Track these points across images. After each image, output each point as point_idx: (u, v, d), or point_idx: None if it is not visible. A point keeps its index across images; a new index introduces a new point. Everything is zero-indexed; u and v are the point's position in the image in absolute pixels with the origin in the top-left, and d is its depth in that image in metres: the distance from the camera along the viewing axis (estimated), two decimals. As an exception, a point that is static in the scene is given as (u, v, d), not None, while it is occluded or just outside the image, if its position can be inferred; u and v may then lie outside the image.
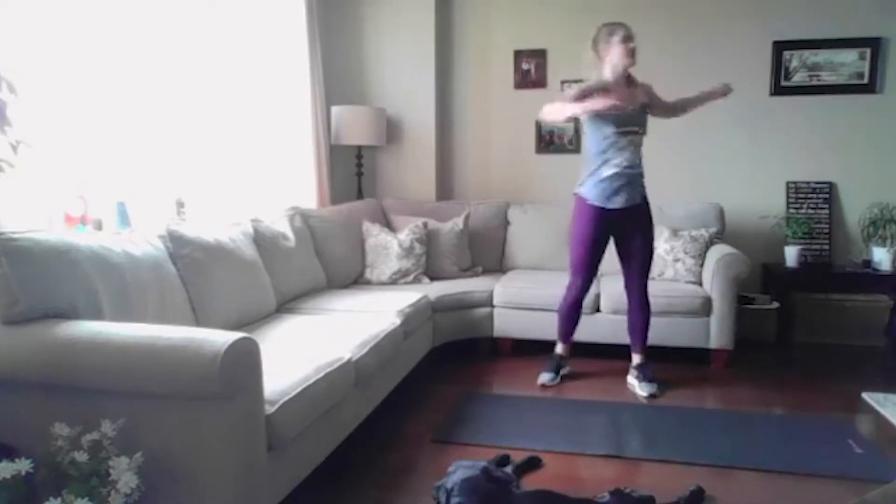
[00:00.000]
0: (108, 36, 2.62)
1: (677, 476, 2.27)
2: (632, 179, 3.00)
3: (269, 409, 1.73)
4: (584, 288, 3.13)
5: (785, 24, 4.13)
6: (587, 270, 3.10)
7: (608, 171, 2.96)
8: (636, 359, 3.20)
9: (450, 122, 4.68)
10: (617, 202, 2.99)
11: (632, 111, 2.94)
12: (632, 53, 2.92)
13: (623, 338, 3.45)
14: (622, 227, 3.06)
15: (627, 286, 3.16)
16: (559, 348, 3.30)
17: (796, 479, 2.26)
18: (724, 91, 3.05)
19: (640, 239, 3.08)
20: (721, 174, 4.31)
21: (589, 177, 3.02)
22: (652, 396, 3.03)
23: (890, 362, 3.67)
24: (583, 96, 2.86)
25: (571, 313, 3.20)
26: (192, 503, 1.61)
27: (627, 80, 3.00)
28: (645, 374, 3.12)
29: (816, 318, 4.05)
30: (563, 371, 3.29)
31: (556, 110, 2.89)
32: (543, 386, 3.18)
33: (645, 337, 3.18)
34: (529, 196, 4.46)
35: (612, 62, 2.94)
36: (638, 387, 3.11)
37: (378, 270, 3.76)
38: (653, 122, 4.27)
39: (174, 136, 3.01)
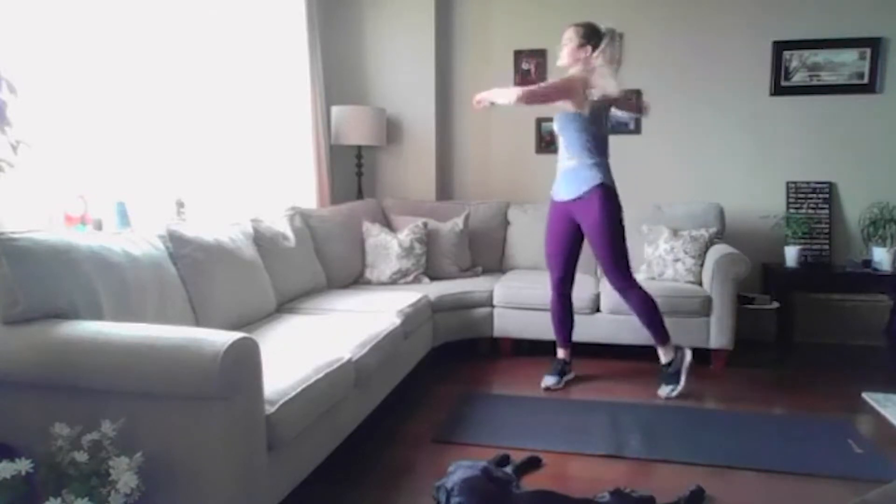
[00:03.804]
0: (108, 36, 2.63)
1: (677, 476, 2.27)
2: None
3: (269, 409, 1.73)
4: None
5: (785, 24, 4.12)
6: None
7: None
8: (660, 355, 3.12)
9: (450, 122, 4.68)
10: None
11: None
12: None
13: (623, 338, 3.48)
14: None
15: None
16: (561, 353, 3.30)
17: (796, 479, 2.26)
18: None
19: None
20: (721, 174, 4.30)
21: (605, 166, 3.00)
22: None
23: (890, 362, 3.67)
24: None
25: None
26: (191, 503, 1.61)
27: None
28: (664, 376, 3.09)
29: (816, 318, 4.05)
30: (568, 377, 3.27)
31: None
32: (548, 389, 3.16)
33: (652, 331, 3.06)
34: (529, 196, 4.46)
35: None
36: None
37: (378, 270, 3.76)
38: (652, 123, 4.34)
39: (174, 136, 3.01)
